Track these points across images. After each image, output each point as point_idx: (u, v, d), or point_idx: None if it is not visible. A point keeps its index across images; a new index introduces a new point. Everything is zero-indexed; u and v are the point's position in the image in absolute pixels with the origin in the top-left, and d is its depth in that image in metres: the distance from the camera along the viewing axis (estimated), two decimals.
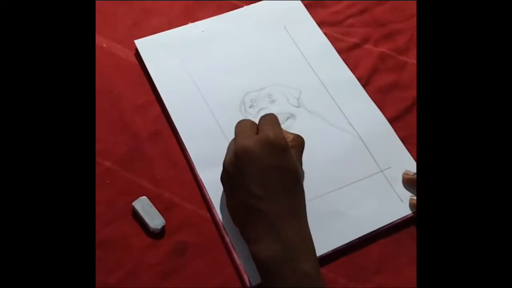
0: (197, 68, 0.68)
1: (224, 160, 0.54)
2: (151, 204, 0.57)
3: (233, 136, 0.55)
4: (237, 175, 0.52)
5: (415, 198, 0.60)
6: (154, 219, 0.56)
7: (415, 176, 0.60)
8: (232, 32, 0.72)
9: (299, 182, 0.53)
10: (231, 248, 0.56)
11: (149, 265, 0.55)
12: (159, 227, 0.56)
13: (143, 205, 0.57)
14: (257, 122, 0.56)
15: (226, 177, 0.54)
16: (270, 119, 0.55)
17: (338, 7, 0.76)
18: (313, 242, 0.51)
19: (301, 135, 0.57)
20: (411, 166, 0.62)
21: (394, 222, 0.59)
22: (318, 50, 0.71)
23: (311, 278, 0.49)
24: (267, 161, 0.51)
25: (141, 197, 0.58)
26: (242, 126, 0.55)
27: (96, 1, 0.67)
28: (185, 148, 0.62)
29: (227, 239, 0.56)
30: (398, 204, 0.60)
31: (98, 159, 0.61)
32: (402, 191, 0.61)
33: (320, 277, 0.50)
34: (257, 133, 0.54)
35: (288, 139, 0.54)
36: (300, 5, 0.75)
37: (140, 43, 0.69)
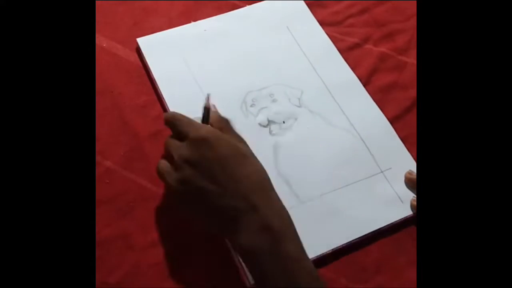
0: (199, 67, 0.68)
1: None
2: None
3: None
4: (193, 188, 0.50)
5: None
6: None
7: None
8: (234, 32, 0.72)
9: (245, 155, 0.52)
10: (231, 248, 0.56)
11: (149, 265, 0.55)
12: None
13: None
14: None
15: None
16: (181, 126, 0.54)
17: (338, 7, 0.76)
18: (294, 223, 0.50)
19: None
20: (411, 166, 0.62)
21: (394, 222, 0.59)
22: (321, 50, 0.71)
23: (297, 260, 0.48)
24: (203, 158, 0.50)
25: None
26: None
27: (96, 1, 0.67)
28: None
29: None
30: (398, 205, 0.60)
31: (98, 159, 0.61)
32: (402, 192, 0.61)
33: (307, 257, 0.49)
34: None
35: (213, 126, 0.54)
36: (303, 5, 0.75)
37: (142, 41, 0.69)
